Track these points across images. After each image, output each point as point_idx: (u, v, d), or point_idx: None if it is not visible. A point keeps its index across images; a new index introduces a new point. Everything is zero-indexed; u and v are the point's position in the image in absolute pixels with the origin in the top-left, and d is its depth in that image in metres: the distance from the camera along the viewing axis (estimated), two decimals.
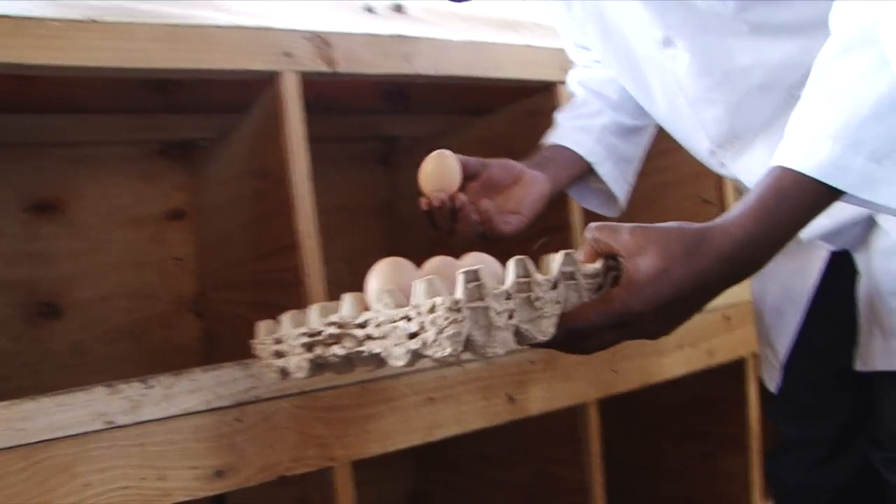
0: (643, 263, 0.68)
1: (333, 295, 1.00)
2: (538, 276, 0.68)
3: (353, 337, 0.73)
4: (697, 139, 0.99)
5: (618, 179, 1.15)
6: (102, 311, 1.48)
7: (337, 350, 0.75)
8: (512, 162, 1.02)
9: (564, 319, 0.69)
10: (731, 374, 1.59)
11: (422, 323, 0.63)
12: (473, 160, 0.99)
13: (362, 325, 0.72)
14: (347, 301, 0.75)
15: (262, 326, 0.89)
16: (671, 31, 0.90)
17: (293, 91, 1.16)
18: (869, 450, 0.97)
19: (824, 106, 0.68)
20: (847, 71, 0.68)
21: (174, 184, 1.56)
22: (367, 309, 0.73)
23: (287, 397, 1.06)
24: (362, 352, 0.73)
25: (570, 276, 0.70)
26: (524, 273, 0.67)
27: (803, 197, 0.68)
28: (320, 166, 1.21)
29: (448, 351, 0.61)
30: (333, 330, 0.75)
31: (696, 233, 0.68)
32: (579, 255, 0.74)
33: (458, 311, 0.61)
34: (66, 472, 0.93)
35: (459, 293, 0.62)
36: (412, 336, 0.65)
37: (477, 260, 0.81)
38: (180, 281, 1.56)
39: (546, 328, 0.67)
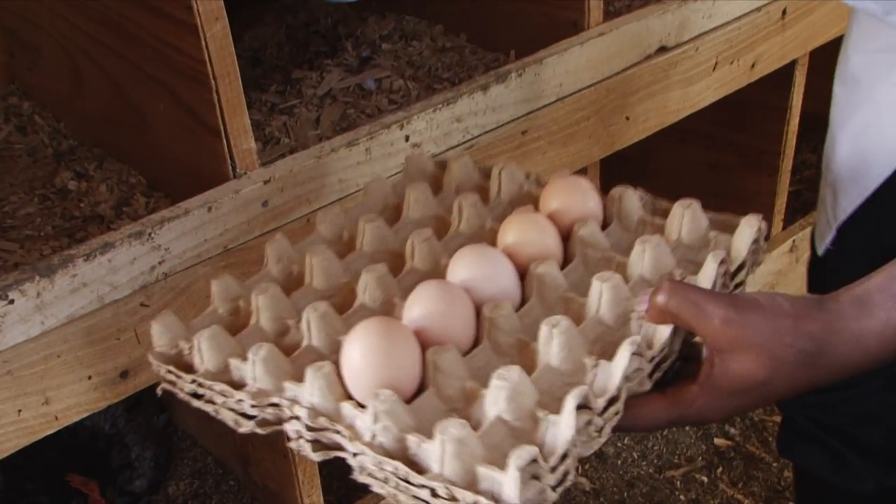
0: (737, 366, 0.67)
1: None
2: (598, 402, 0.66)
3: (333, 436, 0.71)
4: None
5: None
6: None
7: (301, 430, 0.72)
8: None
9: (623, 419, 0.70)
10: (774, 80, 1.60)
11: None
12: None
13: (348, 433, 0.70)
14: (315, 383, 0.70)
15: (158, 329, 0.81)
16: None
17: None
18: None
19: None
20: None
21: None
22: (345, 394, 0.71)
23: (207, 260, 1.03)
24: (343, 453, 0.71)
25: (634, 373, 0.70)
26: (585, 409, 0.66)
27: None
28: None
29: None
30: (300, 415, 0.72)
31: (817, 336, 0.66)
32: (642, 306, 0.72)
33: None
34: None
35: (514, 496, 0.62)
36: None
37: (477, 265, 0.80)
38: None
39: (599, 444, 0.69)
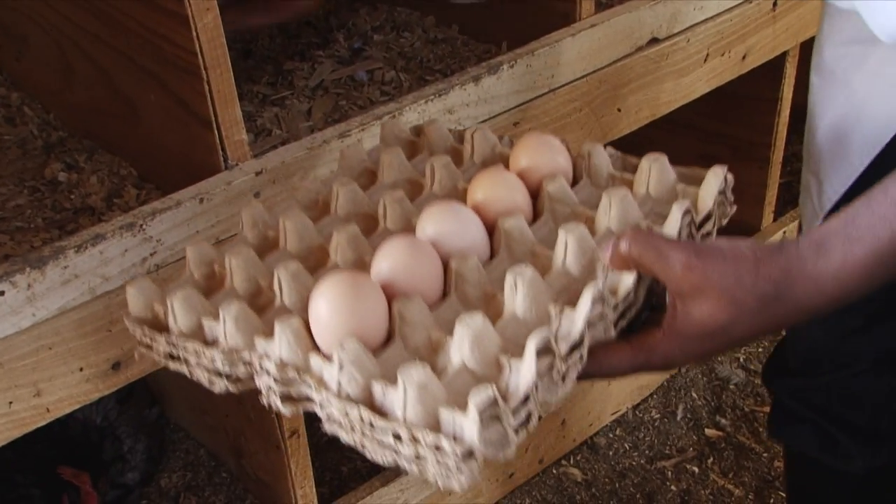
0: (698, 311, 0.68)
1: None
2: (561, 347, 0.67)
3: (301, 388, 0.72)
4: None
5: None
6: None
7: (270, 384, 0.73)
8: None
9: (588, 366, 0.70)
10: (764, 73, 1.59)
11: (419, 453, 0.64)
12: None
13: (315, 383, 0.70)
14: (283, 336, 0.71)
15: (133, 293, 0.81)
16: None
17: None
18: None
19: None
20: None
21: None
22: (313, 347, 0.72)
23: None
24: (311, 405, 0.72)
25: (597, 319, 0.69)
26: (547, 353, 0.66)
27: None
28: None
29: (456, 486, 0.64)
30: (269, 368, 0.72)
31: (776, 279, 0.67)
32: (606, 254, 0.72)
33: (473, 455, 0.63)
34: None
35: (474, 435, 0.62)
36: (402, 454, 0.66)
37: (444, 220, 0.79)
38: None
39: (564, 392, 0.68)
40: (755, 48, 1.51)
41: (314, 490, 1.30)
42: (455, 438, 0.62)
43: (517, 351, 0.67)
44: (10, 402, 0.95)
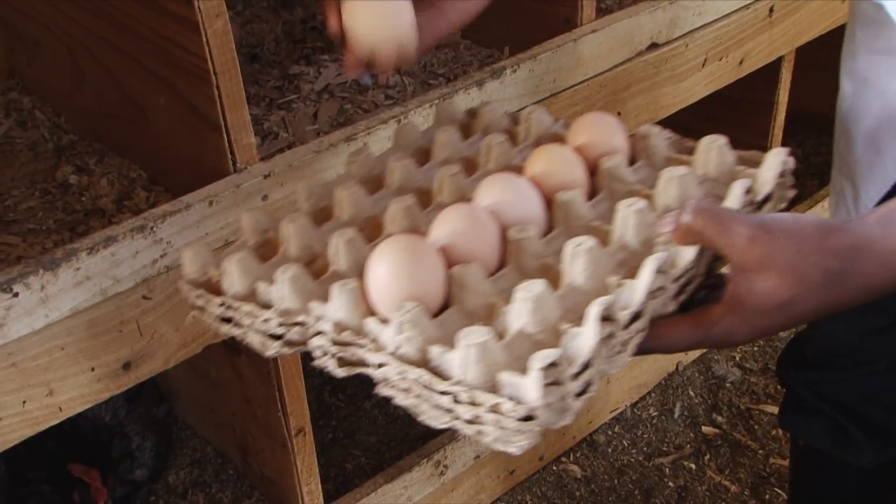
0: (761, 285, 0.65)
1: None
2: (622, 315, 0.65)
3: (357, 351, 0.71)
4: None
5: None
6: None
7: (326, 346, 0.72)
8: None
9: (647, 340, 0.69)
10: (761, 76, 1.59)
11: (477, 416, 0.63)
12: None
13: (372, 345, 0.70)
14: (341, 298, 0.70)
15: (189, 256, 0.81)
16: None
17: None
18: None
19: None
20: None
21: None
22: (370, 311, 0.71)
23: None
24: (366, 368, 0.71)
25: (657, 290, 0.68)
26: (608, 322, 0.65)
27: None
28: None
29: (515, 450, 0.63)
30: (325, 330, 0.72)
31: (841, 254, 0.65)
32: (667, 227, 0.70)
33: (533, 418, 0.61)
34: None
35: (535, 397, 0.60)
36: (460, 417, 0.65)
37: (503, 191, 0.78)
38: None
39: (622, 363, 0.67)
40: (752, 53, 1.52)
41: (319, 487, 1.30)
42: (515, 401, 0.62)
43: (576, 320, 0.65)
44: (24, 402, 0.95)
